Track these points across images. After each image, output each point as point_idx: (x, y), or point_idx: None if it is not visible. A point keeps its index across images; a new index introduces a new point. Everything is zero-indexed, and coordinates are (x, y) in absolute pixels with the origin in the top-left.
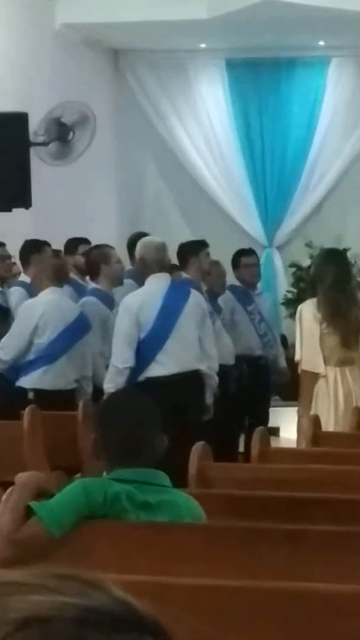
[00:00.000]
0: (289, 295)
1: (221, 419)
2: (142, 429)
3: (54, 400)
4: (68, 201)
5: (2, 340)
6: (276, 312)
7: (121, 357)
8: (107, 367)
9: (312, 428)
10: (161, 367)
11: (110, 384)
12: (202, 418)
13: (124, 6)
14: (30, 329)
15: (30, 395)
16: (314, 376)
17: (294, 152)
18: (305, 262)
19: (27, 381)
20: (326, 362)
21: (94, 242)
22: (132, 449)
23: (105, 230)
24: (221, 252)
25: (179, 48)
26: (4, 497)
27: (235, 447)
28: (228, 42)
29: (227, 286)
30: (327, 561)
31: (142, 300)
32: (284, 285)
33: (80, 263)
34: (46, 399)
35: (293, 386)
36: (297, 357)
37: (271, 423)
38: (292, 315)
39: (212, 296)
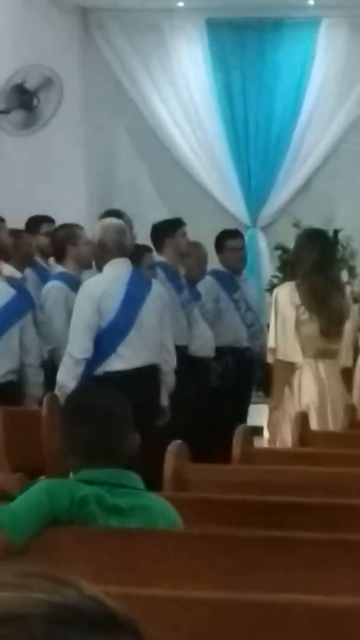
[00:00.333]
0: (275, 281)
1: (199, 416)
2: (113, 426)
3: None
4: (31, 175)
5: None
6: (260, 299)
7: (80, 346)
8: None
9: (298, 426)
10: (122, 360)
11: (67, 376)
12: (156, 421)
13: None
14: None
15: None
16: (289, 366)
17: (280, 123)
18: (293, 244)
19: None
20: (303, 352)
21: (60, 222)
22: (102, 448)
23: (73, 208)
24: (200, 233)
25: (154, 6)
26: None
27: (216, 447)
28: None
29: (211, 271)
30: (312, 571)
31: (105, 289)
32: (269, 269)
33: (43, 244)
34: None
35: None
36: (270, 344)
37: (254, 421)
38: None
39: (191, 281)
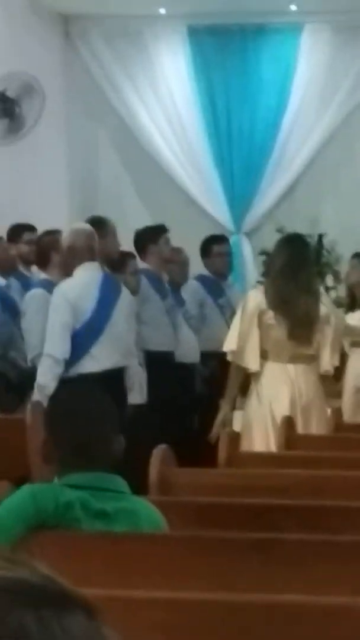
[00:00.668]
0: (260, 286)
1: (185, 420)
2: (98, 429)
3: None
4: (12, 183)
5: None
6: None
7: (60, 347)
8: None
9: (284, 429)
10: (94, 361)
11: (48, 376)
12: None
13: None
14: None
15: None
16: (242, 372)
17: (263, 128)
18: None
19: None
20: (274, 357)
21: (42, 229)
22: (87, 452)
23: (55, 216)
24: (184, 240)
25: (136, 13)
26: None
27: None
28: (190, 6)
29: (196, 276)
30: (299, 572)
31: (80, 291)
32: (253, 275)
33: (24, 252)
34: None
35: None
36: (229, 345)
37: (239, 426)
38: None
39: (175, 287)
